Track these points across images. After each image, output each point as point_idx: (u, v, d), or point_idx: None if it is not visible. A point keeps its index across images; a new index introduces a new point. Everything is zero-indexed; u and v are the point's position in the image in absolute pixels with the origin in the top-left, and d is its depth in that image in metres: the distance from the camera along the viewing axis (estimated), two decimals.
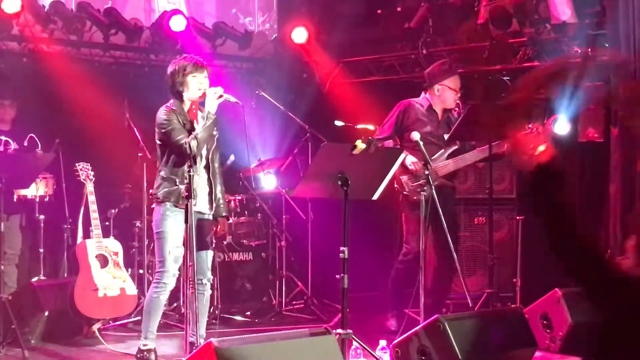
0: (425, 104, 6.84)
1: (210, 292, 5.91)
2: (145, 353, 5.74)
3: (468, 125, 6.41)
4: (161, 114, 5.69)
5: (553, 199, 2.52)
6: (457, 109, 6.85)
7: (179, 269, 5.79)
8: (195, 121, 5.66)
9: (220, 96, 5.62)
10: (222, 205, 5.89)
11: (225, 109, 5.89)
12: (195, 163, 5.55)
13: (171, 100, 5.76)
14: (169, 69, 5.77)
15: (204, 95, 5.64)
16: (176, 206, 5.62)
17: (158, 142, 5.75)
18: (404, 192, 6.68)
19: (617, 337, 2.52)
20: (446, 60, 7.17)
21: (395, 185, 6.65)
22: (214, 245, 5.97)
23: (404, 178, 6.66)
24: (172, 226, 5.65)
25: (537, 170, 2.53)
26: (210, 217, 5.83)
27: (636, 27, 6.78)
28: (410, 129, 6.66)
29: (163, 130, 5.66)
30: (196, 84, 5.68)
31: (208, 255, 5.82)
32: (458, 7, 8.44)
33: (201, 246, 5.67)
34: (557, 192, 2.52)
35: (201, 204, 5.70)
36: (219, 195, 5.85)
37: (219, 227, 5.91)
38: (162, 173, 5.72)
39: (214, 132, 5.76)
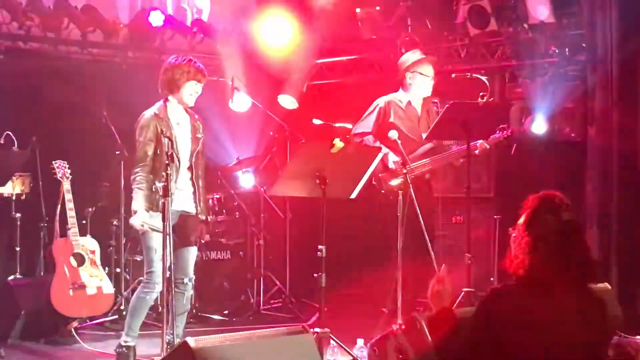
0: (404, 100, 6.77)
1: (191, 292, 5.83)
2: (124, 349, 5.73)
3: (446, 124, 6.41)
4: (140, 122, 5.63)
5: None
6: (435, 107, 6.84)
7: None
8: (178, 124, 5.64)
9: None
10: (201, 206, 5.82)
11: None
12: (172, 161, 5.51)
13: (158, 103, 5.68)
14: (170, 62, 5.68)
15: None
16: (152, 210, 5.55)
17: None
18: (382, 191, 6.64)
19: None
20: (417, 49, 7.13)
21: (374, 182, 6.61)
22: (197, 244, 5.89)
23: (382, 176, 6.63)
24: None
25: None
26: (195, 215, 5.77)
27: (613, 27, 6.81)
28: (389, 126, 6.64)
29: (136, 139, 5.62)
30: (192, 91, 5.65)
31: (190, 253, 5.75)
32: (437, 6, 8.46)
33: (183, 244, 5.64)
34: None
35: (185, 203, 5.66)
36: (202, 196, 5.80)
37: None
38: None
39: (198, 135, 5.71)
